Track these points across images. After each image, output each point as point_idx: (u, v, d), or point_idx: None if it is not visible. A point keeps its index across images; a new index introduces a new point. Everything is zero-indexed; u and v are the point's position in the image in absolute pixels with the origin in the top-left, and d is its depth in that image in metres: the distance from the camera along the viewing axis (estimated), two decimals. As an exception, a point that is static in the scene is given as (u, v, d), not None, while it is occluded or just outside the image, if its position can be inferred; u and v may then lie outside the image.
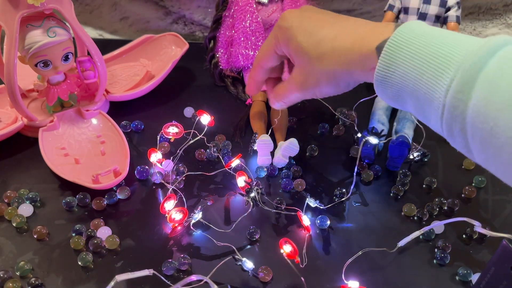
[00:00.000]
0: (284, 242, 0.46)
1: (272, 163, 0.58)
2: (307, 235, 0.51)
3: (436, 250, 0.50)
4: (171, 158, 0.58)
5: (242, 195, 0.51)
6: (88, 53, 0.61)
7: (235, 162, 0.55)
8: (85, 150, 0.59)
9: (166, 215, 0.50)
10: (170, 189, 0.52)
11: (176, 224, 0.51)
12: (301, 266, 0.47)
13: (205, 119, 0.57)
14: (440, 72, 0.31)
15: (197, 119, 0.58)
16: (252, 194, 0.51)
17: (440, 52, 0.31)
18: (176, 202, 0.52)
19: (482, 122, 0.29)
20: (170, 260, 0.47)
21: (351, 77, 0.39)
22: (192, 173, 0.57)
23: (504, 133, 0.28)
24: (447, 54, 0.31)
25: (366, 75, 0.37)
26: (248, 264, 0.46)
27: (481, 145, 0.30)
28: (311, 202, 0.52)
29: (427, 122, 0.35)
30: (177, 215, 0.50)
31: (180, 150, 0.57)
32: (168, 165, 0.56)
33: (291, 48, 0.41)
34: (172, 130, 0.56)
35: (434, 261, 0.49)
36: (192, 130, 0.57)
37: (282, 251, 0.46)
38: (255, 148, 0.59)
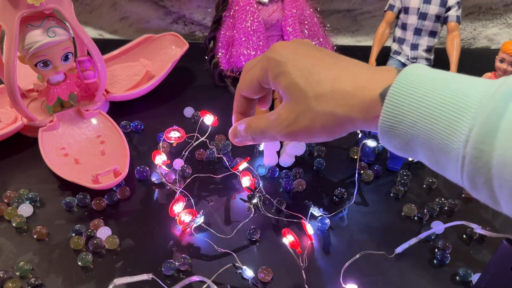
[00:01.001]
0: (287, 232, 0.46)
1: (278, 163, 0.58)
2: (309, 242, 0.51)
3: (436, 250, 0.50)
4: (173, 159, 0.58)
5: (244, 201, 0.51)
6: (88, 53, 0.61)
7: (243, 165, 0.54)
8: (85, 150, 0.59)
9: (176, 217, 0.50)
10: (178, 191, 0.52)
11: (187, 226, 0.51)
12: (301, 265, 0.47)
13: (209, 119, 0.56)
14: (455, 121, 0.28)
15: (200, 120, 0.57)
16: (254, 201, 0.50)
17: (452, 98, 0.29)
18: (184, 204, 0.52)
19: (511, 173, 0.26)
20: (170, 260, 0.47)
21: (351, 123, 0.35)
22: (201, 175, 0.57)
23: None
24: (460, 100, 0.28)
25: (368, 124, 0.34)
26: (248, 273, 0.46)
27: (510, 197, 0.28)
28: (315, 211, 0.52)
29: (443, 173, 0.32)
30: (186, 217, 0.50)
31: (186, 152, 0.57)
32: (178, 164, 0.56)
33: (283, 84, 0.37)
34: (174, 134, 0.56)
35: (435, 261, 0.49)
36: (196, 134, 0.56)
37: (285, 239, 0.46)
38: (261, 149, 0.59)
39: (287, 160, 0.58)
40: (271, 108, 0.66)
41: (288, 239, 0.45)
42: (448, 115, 0.29)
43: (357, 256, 0.47)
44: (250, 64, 0.42)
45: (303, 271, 0.46)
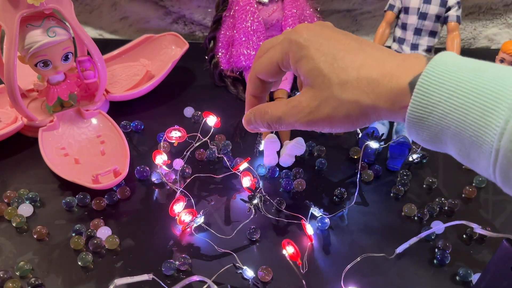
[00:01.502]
0: (287, 243, 0.46)
1: (278, 163, 0.58)
2: (309, 243, 0.50)
3: (436, 250, 0.50)
4: (173, 159, 0.58)
5: (245, 201, 0.51)
6: (88, 53, 0.61)
7: (243, 165, 0.54)
8: (85, 150, 0.59)
9: (176, 217, 0.50)
10: (178, 191, 0.52)
11: (187, 226, 0.51)
12: (302, 271, 0.47)
13: (211, 120, 0.56)
14: (489, 112, 0.27)
15: (203, 121, 0.57)
16: (255, 201, 0.50)
17: (487, 88, 0.27)
18: (185, 204, 0.51)
19: None
20: (170, 260, 0.47)
21: (375, 112, 0.33)
22: (201, 175, 0.57)
23: None
24: (494, 90, 0.27)
25: (394, 115, 0.32)
26: (249, 273, 0.46)
27: None
28: (316, 211, 0.52)
29: (473, 167, 0.30)
30: (186, 217, 0.50)
31: (187, 152, 0.57)
32: (178, 164, 0.56)
33: (305, 69, 0.35)
34: (175, 134, 0.56)
35: (435, 261, 0.49)
36: (198, 134, 0.56)
37: (284, 251, 0.46)
38: (261, 149, 0.59)
39: (287, 160, 0.58)
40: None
41: (287, 251, 0.45)
42: (482, 106, 0.27)
43: (358, 259, 0.47)
44: (269, 44, 0.40)
45: (303, 281, 0.46)
